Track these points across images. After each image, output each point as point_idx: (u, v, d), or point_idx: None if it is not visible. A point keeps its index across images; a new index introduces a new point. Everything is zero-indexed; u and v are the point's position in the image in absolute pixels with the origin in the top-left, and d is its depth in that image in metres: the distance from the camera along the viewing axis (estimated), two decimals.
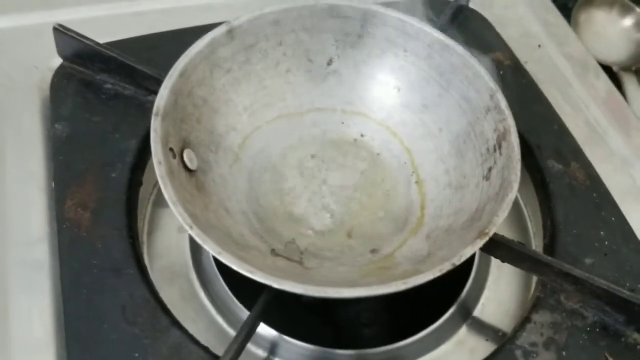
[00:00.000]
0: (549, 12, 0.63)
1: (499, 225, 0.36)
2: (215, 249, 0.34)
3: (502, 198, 0.38)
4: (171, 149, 0.38)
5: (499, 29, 0.58)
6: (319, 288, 0.33)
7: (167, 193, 0.35)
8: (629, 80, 0.72)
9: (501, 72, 0.53)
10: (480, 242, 0.35)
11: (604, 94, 0.56)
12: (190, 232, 0.34)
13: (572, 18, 0.73)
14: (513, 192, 0.38)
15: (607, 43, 0.75)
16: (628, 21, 0.77)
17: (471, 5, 0.59)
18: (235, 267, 0.33)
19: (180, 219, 0.35)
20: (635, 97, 0.71)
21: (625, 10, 0.77)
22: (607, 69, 0.67)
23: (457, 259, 0.34)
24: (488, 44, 0.56)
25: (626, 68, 0.72)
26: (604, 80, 0.58)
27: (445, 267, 0.34)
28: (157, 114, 0.38)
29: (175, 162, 0.38)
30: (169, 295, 0.42)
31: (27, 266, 0.41)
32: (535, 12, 0.63)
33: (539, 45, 0.60)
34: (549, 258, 0.40)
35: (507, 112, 0.41)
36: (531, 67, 0.56)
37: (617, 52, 0.74)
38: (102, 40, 0.49)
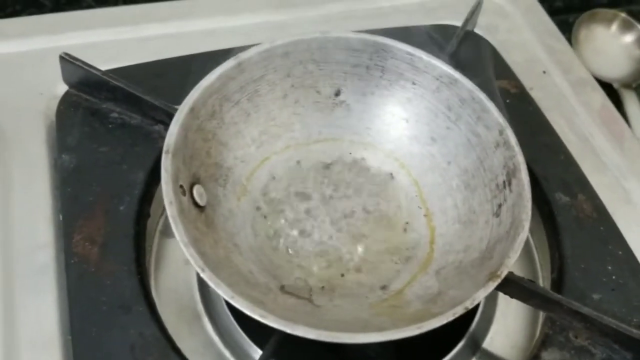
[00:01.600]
0: (553, 37, 0.63)
1: None
2: (228, 293, 0.33)
3: (514, 238, 0.38)
4: (181, 186, 0.38)
5: (504, 55, 0.59)
6: (332, 334, 0.33)
7: (179, 234, 0.35)
8: (629, 98, 0.72)
9: (508, 101, 0.53)
10: (493, 285, 0.36)
11: (608, 122, 0.56)
12: (202, 275, 0.34)
13: (572, 34, 0.73)
14: (525, 232, 0.38)
15: (608, 60, 0.76)
16: (629, 38, 0.77)
17: (476, 30, 0.60)
18: (248, 312, 0.33)
19: (192, 261, 0.34)
20: (635, 115, 0.71)
21: (626, 27, 0.77)
22: (607, 86, 0.67)
23: (470, 303, 0.35)
24: (495, 72, 0.56)
25: (627, 85, 0.73)
26: (608, 106, 0.58)
27: (459, 310, 0.34)
28: (167, 152, 0.38)
29: (186, 199, 0.38)
30: (176, 328, 0.42)
31: (33, 300, 0.41)
32: (539, 37, 0.63)
33: (544, 72, 0.60)
34: (558, 296, 0.40)
35: (517, 149, 0.41)
36: (536, 94, 0.56)
37: (617, 69, 0.75)
38: (106, 66, 0.49)
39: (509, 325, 0.46)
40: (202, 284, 0.45)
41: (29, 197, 0.45)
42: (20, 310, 0.40)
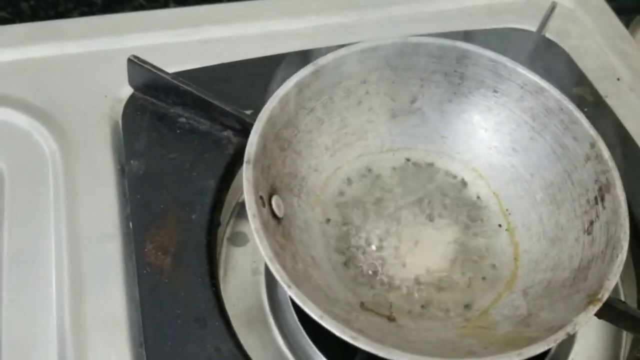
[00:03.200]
0: (625, 42, 0.61)
1: None
2: (317, 313, 0.32)
3: (612, 258, 0.36)
4: (261, 197, 0.37)
5: (577, 61, 0.56)
6: (426, 358, 0.31)
7: (264, 248, 0.34)
8: None
9: (585, 110, 0.51)
10: (594, 309, 0.34)
11: None
12: (289, 292, 0.33)
13: None
14: (623, 253, 0.36)
15: None
16: None
17: (547, 35, 0.57)
18: (338, 333, 0.32)
19: (278, 277, 0.33)
20: None
21: None
22: None
23: (572, 328, 0.33)
24: (570, 79, 0.53)
25: None
26: None
27: (560, 336, 0.32)
28: (249, 162, 0.36)
29: (265, 211, 0.37)
30: (247, 341, 0.41)
31: (105, 314, 0.40)
32: (611, 42, 0.60)
33: (618, 79, 0.57)
34: None
35: (611, 164, 0.39)
36: (612, 102, 0.54)
37: None
38: (170, 69, 0.48)
39: (590, 346, 0.44)
40: (271, 294, 0.44)
41: (94, 203, 0.44)
42: (89, 324, 0.39)
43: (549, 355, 0.42)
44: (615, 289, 0.47)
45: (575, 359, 0.43)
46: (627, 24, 0.73)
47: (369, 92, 0.44)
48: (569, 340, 0.44)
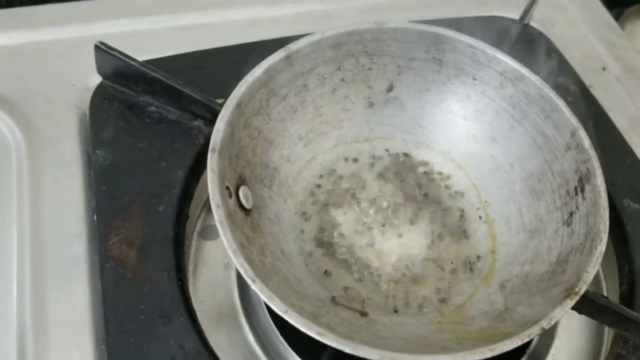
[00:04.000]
0: (613, 32, 0.59)
1: None
2: (282, 308, 0.31)
3: (590, 251, 0.34)
4: (227, 188, 0.35)
5: (561, 50, 0.55)
6: (397, 355, 0.30)
7: (227, 241, 0.32)
8: None
9: (568, 99, 0.49)
10: (571, 303, 0.32)
11: None
12: (253, 286, 0.31)
13: None
14: (603, 244, 0.34)
15: None
16: None
17: (532, 23, 0.56)
18: (303, 329, 0.30)
19: (241, 271, 0.32)
20: None
21: None
22: None
23: (547, 323, 0.31)
24: (554, 68, 0.52)
25: None
26: None
27: (535, 331, 0.31)
28: (213, 150, 0.35)
29: (232, 202, 0.35)
30: (215, 338, 0.39)
31: (66, 304, 0.38)
32: (598, 31, 0.59)
33: (604, 68, 0.56)
34: (635, 314, 0.37)
35: (592, 153, 0.38)
36: (597, 92, 0.53)
37: None
38: (142, 57, 0.46)
39: (571, 342, 0.43)
40: (242, 289, 0.43)
41: (60, 195, 0.42)
42: (51, 314, 0.38)
43: (530, 350, 0.41)
44: (598, 283, 0.46)
45: (556, 354, 0.42)
46: (618, 14, 0.72)
47: (344, 79, 0.43)
48: (550, 336, 0.42)
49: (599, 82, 0.54)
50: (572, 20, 0.59)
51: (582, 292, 0.33)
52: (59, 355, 0.36)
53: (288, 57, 0.40)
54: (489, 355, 0.30)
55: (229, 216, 0.34)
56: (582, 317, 0.42)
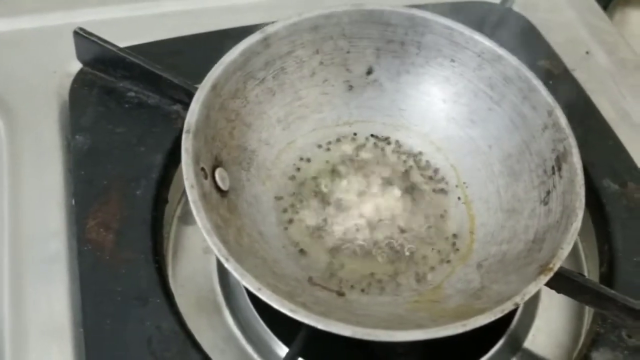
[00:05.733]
0: (596, 16, 0.59)
1: None
2: (255, 285, 0.30)
3: (566, 228, 0.34)
4: (202, 169, 0.35)
5: (544, 34, 0.55)
6: (369, 331, 0.30)
7: (201, 220, 0.32)
8: None
9: (550, 82, 0.49)
10: (545, 279, 0.32)
11: None
12: (226, 265, 0.31)
13: None
14: (578, 221, 0.34)
15: None
16: None
17: (514, 8, 0.56)
18: (276, 306, 0.30)
19: (215, 250, 0.32)
20: None
21: None
22: None
23: (520, 298, 0.31)
24: (535, 51, 0.52)
25: None
26: None
27: (508, 306, 0.31)
28: (188, 131, 0.35)
29: (207, 183, 0.35)
30: (194, 321, 0.39)
31: (44, 288, 0.38)
32: (581, 16, 0.59)
33: (587, 52, 0.56)
34: (612, 292, 0.37)
35: (568, 131, 0.38)
36: (580, 76, 0.53)
37: None
38: (123, 43, 0.46)
39: (552, 322, 0.43)
40: (222, 274, 0.43)
41: (40, 180, 0.42)
42: (30, 300, 0.37)
43: (509, 331, 0.41)
44: (578, 263, 0.46)
45: (536, 334, 0.42)
46: (606, 5, 0.72)
47: (323, 62, 0.43)
48: (530, 316, 0.42)
49: (582, 65, 0.54)
50: (555, 4, 0.59)
51: (556, 268, 0.33)
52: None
53: (265, 40, 0.40)
54: (461, 330, 0.30)
55: (204, 197, 0.34)
56: (562, 297, 0.42)
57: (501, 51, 0.41)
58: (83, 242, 0.38)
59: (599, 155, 0.46)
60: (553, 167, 0.38)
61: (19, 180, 0.42)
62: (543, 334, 0.42)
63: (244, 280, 0.31)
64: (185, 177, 0.33)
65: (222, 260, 0.31)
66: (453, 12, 0.49)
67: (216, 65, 0.38)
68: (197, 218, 0.32)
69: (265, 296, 0.30)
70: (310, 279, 0.37)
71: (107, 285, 0.37)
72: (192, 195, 0.33)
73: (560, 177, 0.37)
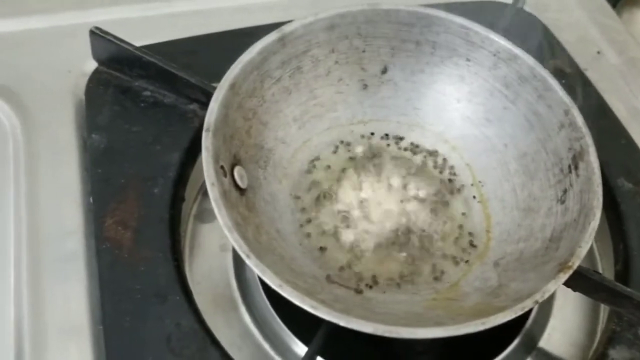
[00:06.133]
0: (607, 16, 0.60)
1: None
2: (276, 282, 0.31)
3: (584, 226, 0.34)
4: (222, 167, 0.35)
5: (556, 34, 0.55)
6: (391, 328, 0.30)
7: (222, 218, 0.32)
8: None
9: (563, 81, 0.49)
10: (564, 277, 0.32)
11: None
12: (248, 261, 0.31)
13: None
14: (596, 220, 0.34)
15: None
16: None
17: (525, 7, 0.56)
18: (297, 302, 0.30)
19: (236, 247, 0.32)
20: None
21: None
22: None
23: (540, 296, 0.31)
24: (547, 51, 0.52)
25: None
26: None
27: (528, 304, 0.31)
28: (208, 130, 0.35)
29: (227, 181, 0.35)
30: (211, 318, 0.39)
31: (62, 287, 0.38)
32: (592, 15, 0.59)
33: (598, 52, 0.56)
34: (629, 290, 0.37)
35: (585, 130, 0.38)
36: (592, 75, 0.53)
37: None
38: (137, 43, 0.46)
39: (567, 320, 0.43)
40: (238, 271, 0.43)
41: (56, 179, 0.43)
42: (48, 298, 0.38)
43: (524, 330, 0.41)
44: (593, 262, 0.46)
45: (552, 333, 0.42)
46: (614, 4, 0.72)
47: (338, 61, 0.43)
48: (545, 315, 0.43)
49: (594, 65, 0.54)
50: (566, 4, 0.60)
51: (575, 266, 0.33)
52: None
53: (281, 39, 0.40)
54: (481, 328, 0.30)
55: (224, 194, 0.34)
56: (577, 296, 0.43)
57: (517, 50, 0.41)
58: (101, 240, 0.38)
59: (613, 154, 0.46)
60: (569, 166, 0.38)
61: (35, 179, 0.43)
62: (558, 332, 0.42)
63: (265, 276, 0.31)
64: (206, 175, 0.34)
65: (243, 256, 0.32)
66: (466, 11, 0.49)
67: (234, 65, 0.38)
68: (218, 215, 0.33)
69: (287, 293, 0.31)
70: (328, 277, 0.37)
71: (126, 283, 0.37)
72: (213, 193, 0.33)
73: (577, 175, 0.37)
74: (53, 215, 0.41)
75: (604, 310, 0.42)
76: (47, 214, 0.41)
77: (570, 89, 0.48)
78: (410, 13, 0.42)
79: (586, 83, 0.51)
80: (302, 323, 0.38)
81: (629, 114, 0.51)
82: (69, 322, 0.37)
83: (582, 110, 0.41)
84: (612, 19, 0.60)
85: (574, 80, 0.51)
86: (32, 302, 0.38)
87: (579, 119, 0.38)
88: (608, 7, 0.61)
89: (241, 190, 0.37)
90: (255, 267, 0.31)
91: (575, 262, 0.33)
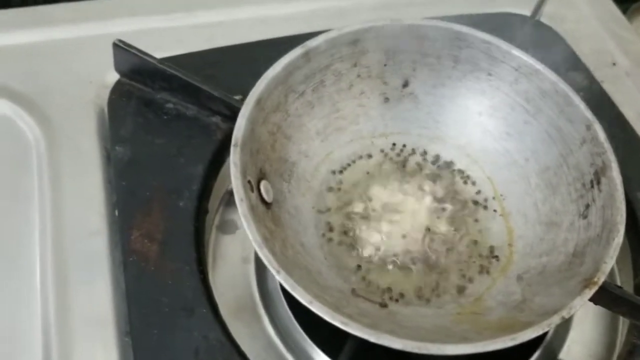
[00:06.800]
0: (622, 27, 0.60)
1: None
2: (307, 298, 0.31)
3: (608, 242, 0.35)
4: (249, 182, 0.36)
5: (572, 46, 0.55)
6: (420, 344, 0.30)
7: (252, 234, 0.33)
8: None
9: (580, 94, 0.50)
10: (590, 293, 0.33)
11: None
12: (278, 277, 0.32)
13: None
14: (620, 236, 0.35)
15: None
16: None
17: (542, 19, 0.56)
18: (328, 319, 0.31)
19: (266, 262, 0.32)
20: None
21: None
22: None
23: (567, 312, 0.32)
24: (565, 63, 0.53)
25: None
26: None
27: (555, 320, 0.32)
28: (236, 145, 0.35)
29: (254, 195, 0.36)
30: (236, 330, 0.40)
31: (88, 299, 0.39)
32: (607, 27, 0.59)
33: (614, 64, 0.56)
34: None
35: (607, 146, 0.38)
36: (608, 87, 0.53)
37: None
38: (158, 54, 0.47)
39: (586, 333, 0.43)
40: (261, 283, 0.43)
41: (80, 191, 0.43)
42: (75, 310, 0.38)
43: (545, 342, 0.41)
44: (612, 275, 0.46)
45: (571, 345, 0.42)
46: (624, 10, 0.72)
47: (360, 75, 0.43)
48: (565, 327, 0.43)
49: (610, 77, 0.55)
50: (581, 15, 0.60)
51: (600, 282, 0.33)
52: (83, 348, 0.37)
53: (306, 54, 0.40)
54: (511, 344, 0.31)
55: (252, 209, 0.34)
56: (597, 308, 0.43)
57: (538, 66, 0.41)
58: (128, 253, 0.39)
59: (631, 168, 0.46)
60: (592, 181, 0.38)
61: (59, 190, 0.43)
62: (578, 345, 0.42)
63: (295, 292, 0.31)
64: (235, 190, 0.34)
65: (274, 272, 0.32)
66: (484, 23, 0.50)
67: (259, 80, 0.39)
68: (247, 231, 0.33)
69: (317, 309, 0.31)
70: (353, 291, 0.38)
71: (153, 296, 0.37)
72: (242, 208, 0.33)
73: (600, 190, 0.37)
74: (77, 227, 0.41)
75: (623, 323, 0.43)
76: (72, 225, 0.41)
77: (588, 102, 0.49)
78: (433, 28, 0.42)
79: (603, 95, 0.52)
80: (325, 335, 0.38)
81: None
82: (97, 338, 0.37)
83: (600, 123, 0.42)
84: (626, 29, 0.60)
85: (591, 93, 0.51)
86: (59, 316, 0.38)
87: (601, 135, 0.39)
88: (623, 17, 0.61)
89: (267, 205, 0.37)
90: (286, 283, 0.31)
91: (601, 278, 0.33)
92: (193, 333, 0.36)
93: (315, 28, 0.50)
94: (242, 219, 0.33)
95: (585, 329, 0.43)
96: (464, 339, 0.33)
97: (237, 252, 0.44)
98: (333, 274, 0.38)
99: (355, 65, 0.43)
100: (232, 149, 0.35)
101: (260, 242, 0.32)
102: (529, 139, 0.42)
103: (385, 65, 0.44)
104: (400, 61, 0.44)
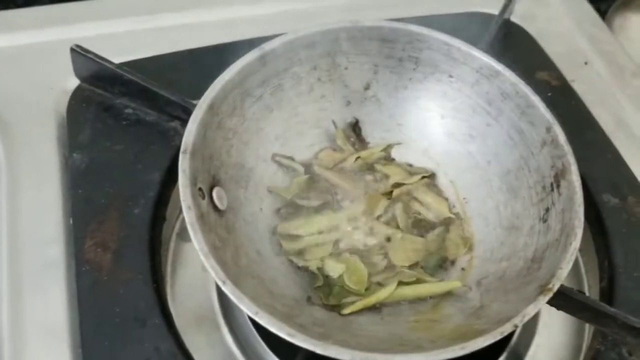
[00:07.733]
0: (595, 26, 0.59)
1: None
2: (252, 309, 0.30)
3: (565, 247, 0.34)
4: (200, 189, 0.35)
5: (543, 45, 0.55)
6: (368, 355, 0.29)
7: (198, 243, 0.32)
8: None
9: (549, 94, 0.49)
10: (544, 299, 0.32)
11: None
12: (223, 288, 0.31)
13: (606, 22, 0.69)
14: (577, 240, 0.34)
15: None
16: None
17: (512, 18, 0.56)
18: (274, 330, 0.30)
19: (212, 273, 0.31)
20: None
21: None
22: None
23: (520, 320, 0.31)
24: (534, 63, 0.52)
25: None
26: None
27: (507, 328, 0.31)
28: (185, 152, 0.35)
29: (205, 202, 0.35)
30: (193, 340, 0.39)
31: (43, 308, 0.38)
32: (580, 25, 0.59)
33: (586, 63, 0.56)
34: (613, 310, 0.37)
35: (567, 148, 0.38)
36: (579, 87, 0.52)
37: None
38: (120, 58, 0.46)
39: (552, 338, 0.43)
40: (221, 292, 0.42)
41: (37, 199, 0.42)
42: (29, 324, 0.37)
43: (509, 347, 0.41)
44: (579, 278, 0.46)
45: (537, 351, 0.42)
46: (606, 10, 0.72)
47: (320, 78, 0.43)
48: (530, 333, 0.42)
49: (581, 76, 0.54)
50: (554, 14, 0.59)
51: (555, 288, 0.32)
52: (36, 359, 0.36)
53: (262, 57, 0.40)
54: (461, 353, 0.30)
55: (201, 218, 0.33)
56: (563, 313, 0.42)
57: (499, 67, 0.40)
58: (81, 262, 0.38)
59: (599, 169, 0.46)
60: (552, 184, 0.38)
61: (17, 198, 0.42)
62: (544, 350, 0.42)
63: (241, 303, 0.31)
64: (182, 198, 0.33)
65: (219, 283, 0.31)
66: (452, 23, 0.49)
67: (213, 85, 0.38)
68: (194, 240, 0.32)
69: (263, 320, 0.30)
70: (309, 299, 0.37)
71: (106, 306, 0.37)
72: (189, 217, 0.33)
73: (559, 194, 0.37)
74: (34, 234, 0.41)
75: (589, 328, 0.42)
76: (28, 233, 0.41)
77: (556, 102, 0.48)
78: (393, 30, 0.41)
79: (573, 95, 0.51)
80: (284, 344, 0.37)
81: (615, 125, 0.51)
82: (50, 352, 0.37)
83: (567, 123, 0.41)
84: (600, 28, 0.59)
85: (561, 93, 0.51)
86: (13, 323, 0.37)
87: (561, 137, 0.38)
88: (596, 16, 0.60)
89: (220, 212, 0.37)
90: (232, 294, 0.31)
91: (556, 284, 0.33)
92: (144, 344, 0.36)
93: (278, 31, 0.48)
94: (189, 228, 0.33)
95: (551, 334, 0.42)
96: (417, 348, 0.32)
97: (198, 259, 0.43)
98: (289, 282, 0.37)
99: (314, 68, 0.42)
100: (180, 155, 0.35)
101: (207, 252, 0.32)
102: (491, 141, 0.41)
103: (345, 68, 0.43)
104: (361, 64, 0.43)
